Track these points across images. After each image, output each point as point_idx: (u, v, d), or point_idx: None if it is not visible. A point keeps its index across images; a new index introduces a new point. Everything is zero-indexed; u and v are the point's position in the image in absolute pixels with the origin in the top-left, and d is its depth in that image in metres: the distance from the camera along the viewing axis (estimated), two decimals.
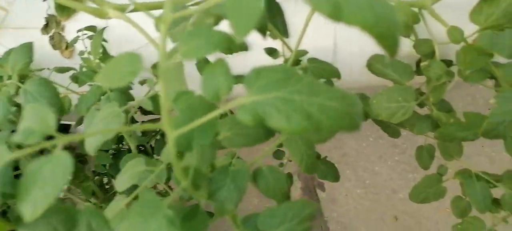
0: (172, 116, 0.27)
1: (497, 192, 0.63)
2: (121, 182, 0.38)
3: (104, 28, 0.52)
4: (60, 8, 0.56)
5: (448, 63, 0.58)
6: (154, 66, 0.62)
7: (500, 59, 0.52)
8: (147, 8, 0.47)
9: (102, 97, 0.50)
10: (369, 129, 1.14)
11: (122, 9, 0.46)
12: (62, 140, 0.23)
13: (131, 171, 0.38)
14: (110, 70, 0.26)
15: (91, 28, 0.53)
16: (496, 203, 0.64)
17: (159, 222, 0.25)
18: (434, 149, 0.73)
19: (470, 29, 0.52)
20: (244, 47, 0.63)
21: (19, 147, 0.25)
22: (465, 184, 0.64)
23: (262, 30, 0.29)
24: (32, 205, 0.22)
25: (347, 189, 1.13)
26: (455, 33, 0.49)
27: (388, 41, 0.20)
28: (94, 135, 0.37)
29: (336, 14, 0.20)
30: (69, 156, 0.22)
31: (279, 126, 0.23)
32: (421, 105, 0.68)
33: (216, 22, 0.32)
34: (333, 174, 0.79)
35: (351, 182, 1.13)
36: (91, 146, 0.37)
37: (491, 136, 0.47)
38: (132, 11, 0.47)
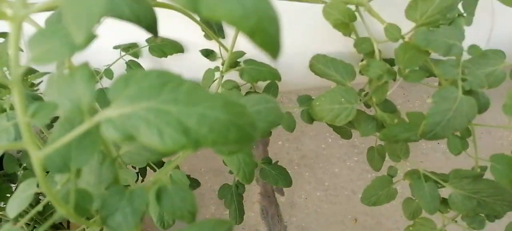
0: (34, 134, 0.22)
1: (447, 191, 0.62)
2: (12, 207, 0.33)
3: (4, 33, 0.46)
4: None
5: (391, 62, 0.56)
6: None
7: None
8: (48, 8, 0.42)
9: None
10: (327, 129, 1.13)
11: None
12: None
13: (22, 195, 0.33)
14: None
15: (3, 34, 0.48)
16: (445, 203, 0.63)
17: None
18: (385, 149, 0.71)
19: (409, 26, 0.50)
20: (179, 49, 0.59)
21: None
22: (414, 185, 0.62)
23: (153, 30, 0.26)
24: None
25: (306, 192, 1.10)
26: (392, 31, 0.47)
27: (263, 38, 0.17)
28: None
29: (192, 5, 0.16)
30: None
31: (150, 143, 0.19)
32: (368, 105, 0.66)
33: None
34: (285, 179, 0.76)
35: (310, 185, 1.11)
36: None
37: (429, 137, 0.45)
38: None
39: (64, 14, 0.16)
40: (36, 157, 0.22)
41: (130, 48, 0.54)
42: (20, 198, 0.32)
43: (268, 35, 0.17)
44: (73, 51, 0.20)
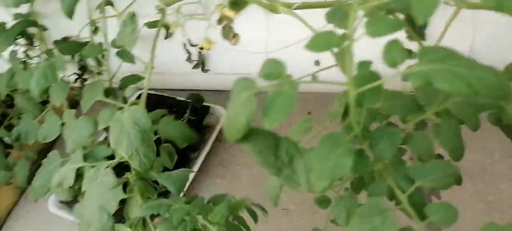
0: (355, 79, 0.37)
1: None
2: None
3: None
4: (233, 4, 0.72)
5: None
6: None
7: None
8: (310, 6, 0.59)
9: None
10: (494, 144, 1.12)
11: (289, 6, 0.59)
12: (287, 82, 0.36)
13: (302, 126, 0.50)
14: (315, 41, 0.37)
15: None
16: None
17: (340, 151, 0.36)
18: None
19: None
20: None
21: None
22: None
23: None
24: (270, 121, 0.35)
25: (465, 201, 1.10)
26: None
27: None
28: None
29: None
30: (294, 91, 0.34)
31: (442, 88, 0.32)
32: None
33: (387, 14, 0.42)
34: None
35: (471, 196, 1.10)
36: None
37: None
38: (297, 8, 0.59)
39: (413, 7, 0.30)
40: (353, 93, 0.37)
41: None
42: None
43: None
44: (393, 31, 0.34)
